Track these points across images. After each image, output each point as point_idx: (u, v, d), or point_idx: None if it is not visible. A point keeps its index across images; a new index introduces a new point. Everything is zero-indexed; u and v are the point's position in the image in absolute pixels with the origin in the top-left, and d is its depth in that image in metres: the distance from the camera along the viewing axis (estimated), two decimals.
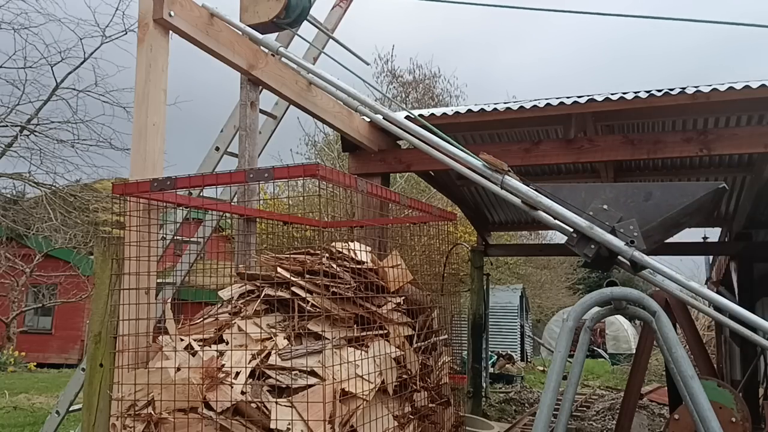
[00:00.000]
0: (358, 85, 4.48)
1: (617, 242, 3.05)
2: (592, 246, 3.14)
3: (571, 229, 3.22)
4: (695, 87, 4.96)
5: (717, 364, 9.68)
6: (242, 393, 2.76)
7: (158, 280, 3.62)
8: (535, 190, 3.41)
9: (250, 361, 2.87)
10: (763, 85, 4.71)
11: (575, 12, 4.17)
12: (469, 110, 5.75)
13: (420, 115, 5.02)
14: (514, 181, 3.44)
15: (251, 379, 2.83)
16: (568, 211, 3.22)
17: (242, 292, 3.35)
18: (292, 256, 3.39)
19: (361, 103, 4.27)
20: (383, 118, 4.21)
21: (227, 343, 3.00)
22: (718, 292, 3.33)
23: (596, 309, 2.84)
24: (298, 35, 4.84)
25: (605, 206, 3.20)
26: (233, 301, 3.34)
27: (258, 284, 3.29)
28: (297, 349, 2.91)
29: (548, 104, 5.44)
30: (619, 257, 3.21)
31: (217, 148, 4.99)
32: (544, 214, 3.37)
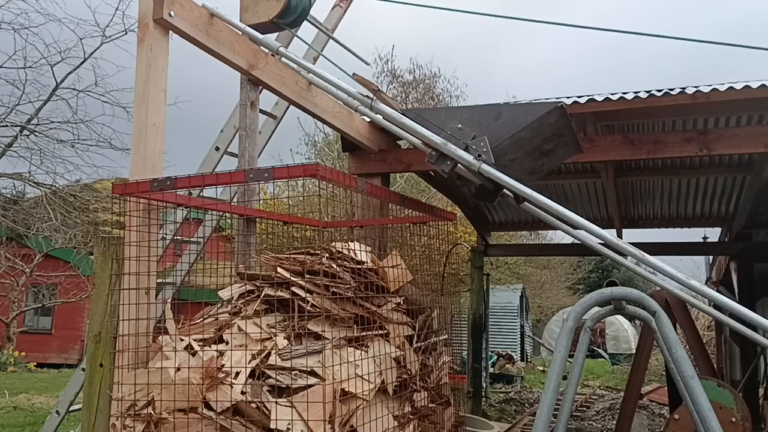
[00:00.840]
0: (357, 85, 4.48)
1: (467, 156, 3.36)
2: (449, 162, 3.46)
3: (430, 148, 3.51)
4: (695, 87, 4.96)
5: (717, 364, 9.68)
6: (242, 393, 2.76)
7: (158, 280, 3.62)
8: (401, 112, 3.71)
9: (250, 361, 2.87)
10: (763, 85, 4.71)
11: (559, 24, 4.18)
12: None
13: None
14: (381, 105, 3.77)
15: (251, 379, 2.83)
16: (428, 130, 3.51)
17: (242, 292, 3.35)
18: (292, 256, 3.39)
19: (361, 103, 4.27)
20: (383, 118, 4.22)
21: (227, 343, 3.00)
22: (718, 292, 3.34)
23: (596, 309, 2.84)
24: (297, 36, 4.84)
25: (460, 126, 3.49)
26: (233, 301, 3.34)
27: (258, 284, 3.29)
28: (297, 349, 2.91)
29: None
30: (504, 190, 3.55)
31: (217, 148, 4.99)
32: (418, 141, 3.68)
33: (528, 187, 3.40)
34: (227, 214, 4.50)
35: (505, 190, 3.54)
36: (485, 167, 3.30)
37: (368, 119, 5.22)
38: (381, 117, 3.83)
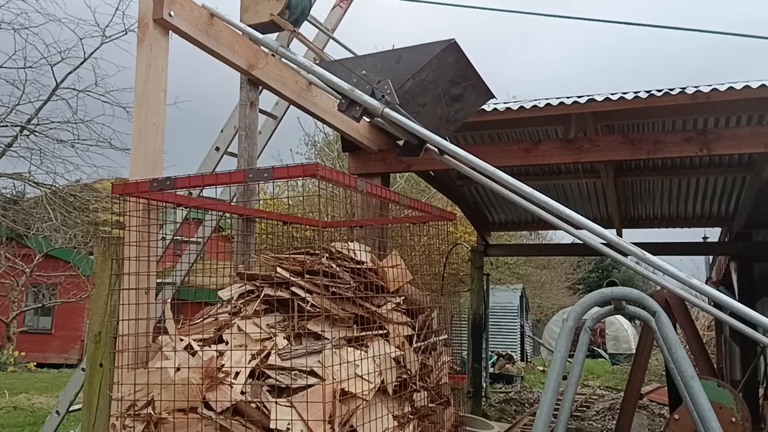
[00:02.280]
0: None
1: (372, 101, 3.46)
2: (357, 108, 3.55)
3: (341, 95, 3.61)
4: (695, 87, 4.96)
5: (717, 364, 9.69)
6: (242, 393, 2.76)
7: (158, 280, 3.62)
8: (321, 65, 3.89)
9: (249, 361, 2.87)
10: (763, 85, 4.71)
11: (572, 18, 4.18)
12: None
13: None
14: (288, 53, 3.95)
15: (251, 379, 2.82)
16: (337, 78, 3.61)
17: (242, 292, 3.35)
18: (291, 256, 3.39)
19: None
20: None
21: (227, 343, 3.00)
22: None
23: (596, 309, 2.84)
24: (295, 38, 4.83)
25: (365, 72, 3.61)
26: (233, 301, 3.34)
27: (258, 284, 3.29)
28: (297, 349, 2.91)
29: (548, 104, 5.44)
30: (428, 145, 3.66)
31: (217, 148, 4.98)
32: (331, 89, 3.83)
33: (446, 138, 3.51)
34: (227, 214, 4.50)
35: (428, 145, 3.62)
36: (388, 111, 3.38)
37: (368, 119, 5.22)
38: (365, 114, 3.85)
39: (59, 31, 24.74)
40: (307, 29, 4.90)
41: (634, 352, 7.66)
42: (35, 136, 13.16)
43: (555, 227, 3.87)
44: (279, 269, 3.22)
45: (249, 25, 4.09)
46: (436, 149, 3.66)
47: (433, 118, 3.69)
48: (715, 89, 4.84)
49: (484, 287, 10.49)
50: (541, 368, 18.98)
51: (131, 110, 6.75)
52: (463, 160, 3.48)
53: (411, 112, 3.46)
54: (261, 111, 4.70)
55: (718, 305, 3.51)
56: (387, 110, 3.37)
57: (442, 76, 3.59)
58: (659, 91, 5.06)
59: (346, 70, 3.65)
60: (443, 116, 3.78)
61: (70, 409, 4.85)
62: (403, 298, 3.61)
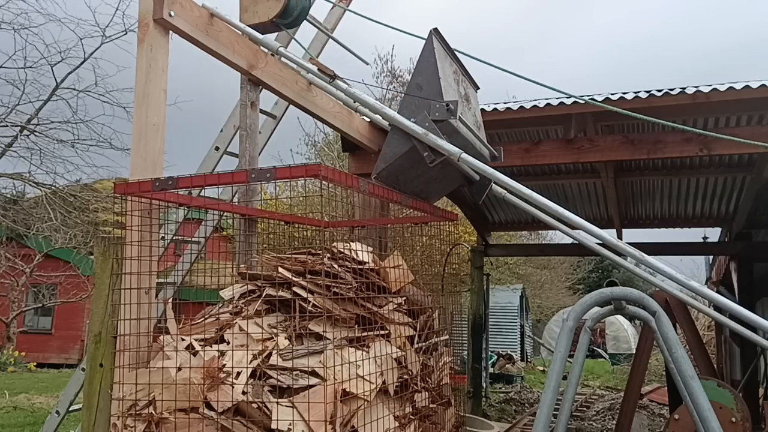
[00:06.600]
0: (358, 85, 4.48)
1: (448, 146, 3.43)
2: (426, 153, 3.52)
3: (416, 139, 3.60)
4: (695, 87, 4.97)
5: (717, 364, 9.68)
6: (243, 393, 2.76)
7: (158, 280, 3.62)
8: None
9: (251, 361, 2.87)
10: (763, 85, 4.71)
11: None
12: None
13: None
14: (342, 84, 4.07)
15: (252, 379, 2.83)
16: (406, 119, 3.62)
17: (243, 292, 3.35)
18: (293, 256, 3.39)
19: (360, 104, 4.27)
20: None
21: (228, 343, 3.00)
22: (718, 292, 3.35)
23: (596, 309, 2.84)
24: (294, 39, 4.84)
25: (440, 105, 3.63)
26: (234, 301, 3.34)
27: (259, 284, 3.29)
28: (298, 350, 2.91)
29: (548, 104, 5.44)
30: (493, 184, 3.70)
31: (217, 148, 4.99)
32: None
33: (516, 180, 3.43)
34: (227, 214, 4.50)
35: (494, 184, 3.59)
36: (465, 156, 3.33)
37: (368, 119, 5.23)
38: (379, 117, 3.85)
39: (59, 31, 24.82)
40: (306, 29, 4.92)
41: (634, 352, 7.66)
42: (35, 136, 13.17)
43: (552, 227, 3.89)
44: (280, 269, 3.22)
45: (249, 25, 4.09)
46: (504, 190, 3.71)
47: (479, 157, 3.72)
48: (715, 89, 4.85)
49: (484, 287, 10.50)
50: (541, 368, 18.98)
51: (131, 110, 6.76)
52: (471, 165, 3.47)
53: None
54: (261, 111, 4.70)
55: (717, 307, 3.50)
56: (464, 156, 3.35)
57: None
58: (659, 91, 5.06)
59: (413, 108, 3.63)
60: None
61: (70, 409, 4.86)
62: (404, 298, 3.61)
